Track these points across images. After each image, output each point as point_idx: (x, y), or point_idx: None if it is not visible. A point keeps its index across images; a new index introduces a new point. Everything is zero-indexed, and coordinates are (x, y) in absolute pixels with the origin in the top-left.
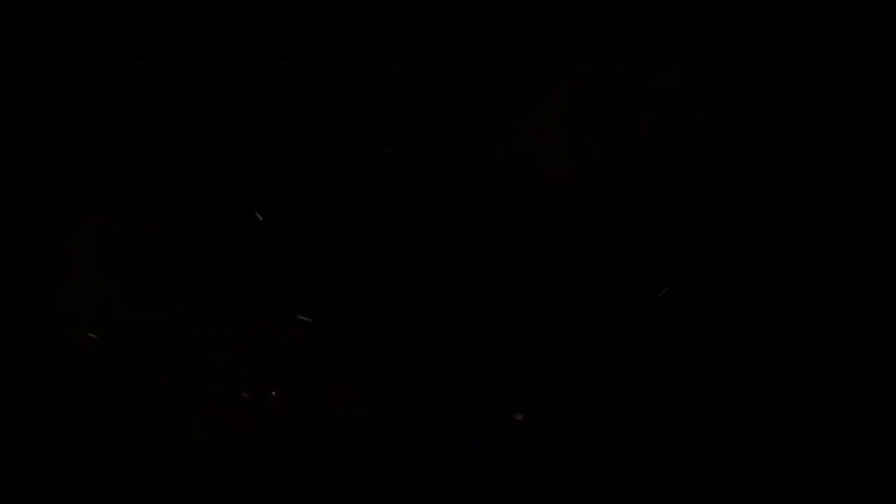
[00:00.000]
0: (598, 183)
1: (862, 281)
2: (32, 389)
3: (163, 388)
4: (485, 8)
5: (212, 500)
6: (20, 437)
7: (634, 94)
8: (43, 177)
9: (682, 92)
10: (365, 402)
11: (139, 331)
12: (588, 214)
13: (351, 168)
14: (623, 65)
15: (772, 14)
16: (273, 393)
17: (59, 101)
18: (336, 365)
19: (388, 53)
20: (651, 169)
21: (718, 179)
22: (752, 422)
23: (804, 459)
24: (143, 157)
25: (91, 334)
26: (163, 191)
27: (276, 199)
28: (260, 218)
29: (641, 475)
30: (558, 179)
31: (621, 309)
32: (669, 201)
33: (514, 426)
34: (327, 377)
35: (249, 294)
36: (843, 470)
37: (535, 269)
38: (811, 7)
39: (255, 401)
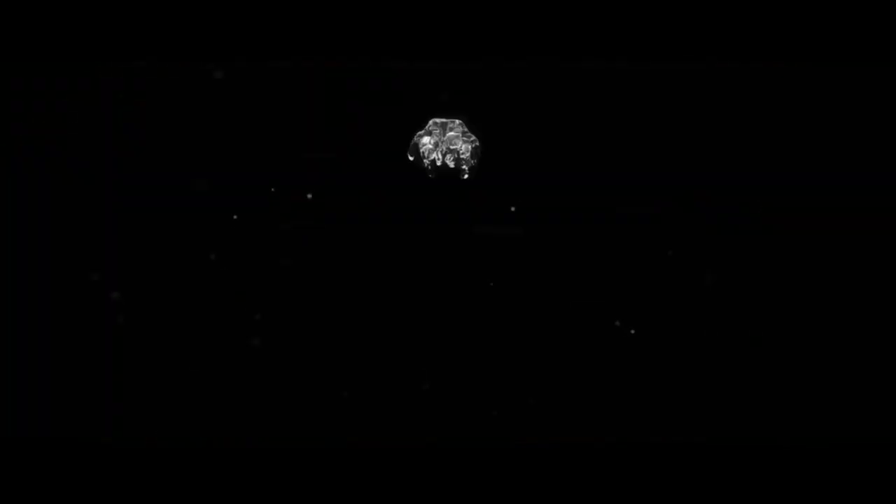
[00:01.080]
0: (598, 182)
1: (861, 280)
2: (32, 389)
3: (162, 387)
4: (485, 8)
5: (212, 500)
6: (20, 438)
7: (635, 94)
8: (42, 176)
9: (682, 92)
10: (362, 402)
11: (140, 330)
12: (588, 213)
13: (350, 167)
14: (623, 65)
15: (772, 14)
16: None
17: (59, 102)
18: (333, 365)
19: (388, 53)
20: (648, 167)
21: (718, 178)
22: (753, 422)
23: (804, 459)
24: (143, 156)
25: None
26: (163, 190)
27: (276, 199)
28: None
29: (641, 475)
30: (557, 178)
31: (621, 308)
32: (670, 200)
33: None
34: (325, 377)
35: (248, 292)
36: (843, 470)
37: (534, 269)
38: (811, 7)
39: (254, 401)
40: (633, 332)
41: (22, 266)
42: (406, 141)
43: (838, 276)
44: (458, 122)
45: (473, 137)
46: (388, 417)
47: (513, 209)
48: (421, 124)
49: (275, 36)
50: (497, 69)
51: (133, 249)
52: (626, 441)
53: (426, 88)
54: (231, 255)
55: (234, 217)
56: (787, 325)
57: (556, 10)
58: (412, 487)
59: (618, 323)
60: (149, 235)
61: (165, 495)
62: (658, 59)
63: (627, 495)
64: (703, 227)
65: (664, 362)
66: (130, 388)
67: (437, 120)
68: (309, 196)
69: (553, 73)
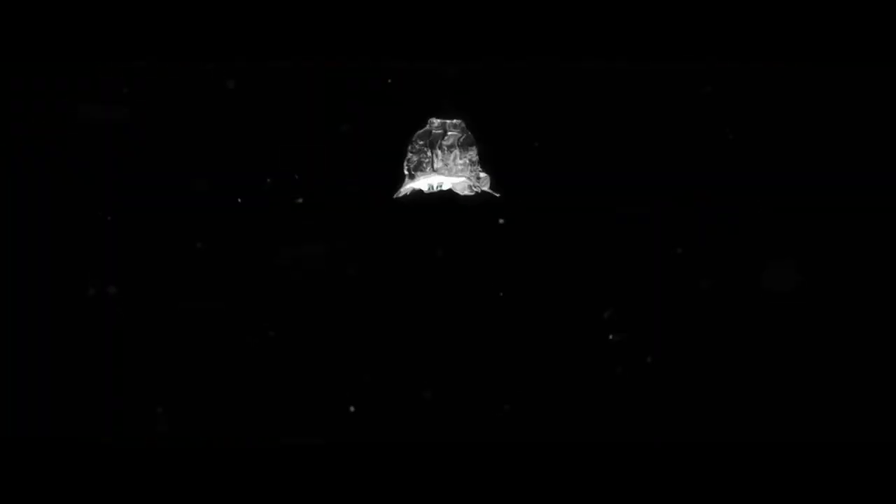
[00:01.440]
0: (598, 181)
1: (860, 278)
2: (32, 389)
3: (162, 387)
4: (485, 8)
5: (212, 500)
6: (20, 438)
7: (637, 94)
8: (42, 176)
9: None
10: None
11: (140, 331)
12: (588, 213)
13: (351, 166)
14: (623, 65)
15: (772, 14)
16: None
17: (59, 102)
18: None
19: (388, 53)
20: (647, 167)
21: (720, 176)
22: (753, 422)
23: (804, 459)
24: (143, 156)
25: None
26: (163, 190)
27: (276, 198)
28: (269, 181)
29: (641, 475)
30: (558, 177)
31: (622, 309)
32: (671, 200)
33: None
34: (323, 376)
35: (248, 291)
36: (843, 470)
37: (533, 268)
38: (811, 7)
39: (252, 401)
40: (611, 337)
41: (21, 266)
42: (405, 141)
43: (838, 276)
44: (459, 122)
45: (473, 169)
46: (387, 417)
47: (501, 221)
48: (420, 124)
49: (275, 36)
50: (497, 69)
51: (132, 249)
52: (625, 441)
53: (426, 88)
54: (231, 255)
55: (239, 200)
56: (786, 325)
57: (555, 10)
58: (411, 486)
59: (607, 315)
60: (148, 235)
61: (165, 495)
62: (658, 59)
63: (627, 495)
64: (705, 223)
65: (664, 362)
66: (130, 387)
67: (436, 121)
68: (300, 200)
69: (553, 73)
